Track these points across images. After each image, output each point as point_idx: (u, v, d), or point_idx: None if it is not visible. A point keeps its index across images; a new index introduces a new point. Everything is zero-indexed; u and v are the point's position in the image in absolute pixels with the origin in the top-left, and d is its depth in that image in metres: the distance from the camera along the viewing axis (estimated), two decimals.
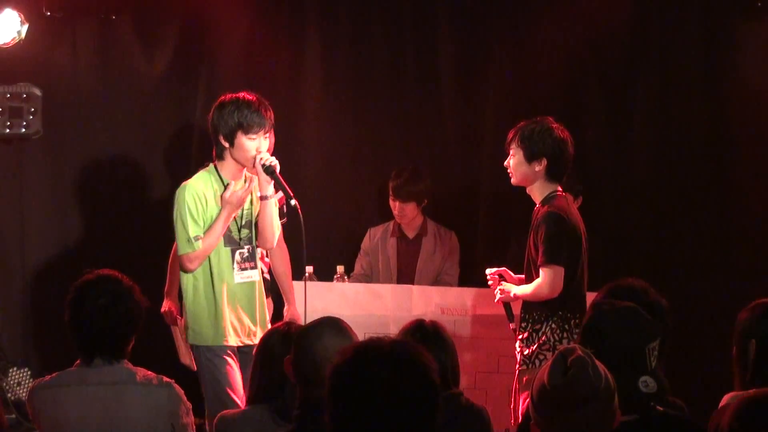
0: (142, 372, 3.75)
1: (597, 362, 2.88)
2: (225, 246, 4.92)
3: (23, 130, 6.11)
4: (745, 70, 6.37)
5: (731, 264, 6.35)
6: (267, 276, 5.72)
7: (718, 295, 6.18)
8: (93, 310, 3.68)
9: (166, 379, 3.78)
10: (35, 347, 6.56)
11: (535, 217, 4.99)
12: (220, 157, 4.92)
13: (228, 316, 4.89)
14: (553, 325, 4.89)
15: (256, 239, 5.01)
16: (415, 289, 6.02)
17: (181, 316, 5.54)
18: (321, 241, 6.68)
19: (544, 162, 4.95)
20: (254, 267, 5.00)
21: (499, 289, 5.11)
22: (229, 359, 4.88)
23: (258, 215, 4.99)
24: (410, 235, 6.44)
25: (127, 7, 6.46)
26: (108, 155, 6.58)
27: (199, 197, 4.85)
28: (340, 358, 2.42)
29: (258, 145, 4.88)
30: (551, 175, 4.98)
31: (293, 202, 4.90)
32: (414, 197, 6.31)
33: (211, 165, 4.96)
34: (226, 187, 4.86)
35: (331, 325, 3.36)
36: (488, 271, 5.18)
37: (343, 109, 6.73)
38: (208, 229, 4.84)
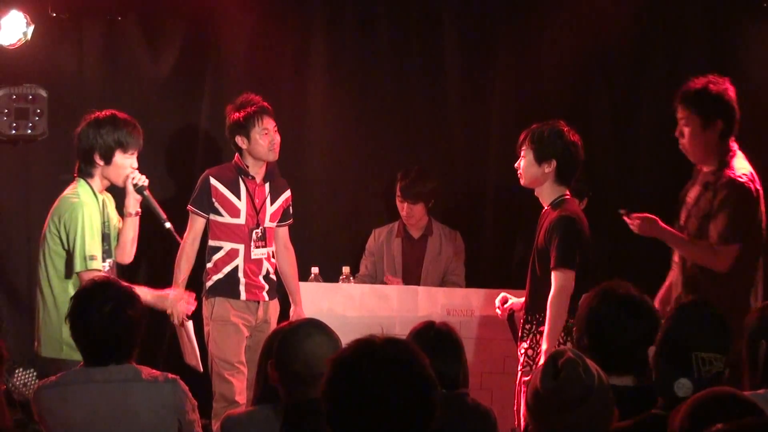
0: (147, 370, 3.78)
1: (588, 361, 2.89)
2: None
3: (29, 131, 6.11)
4: (751, 71, 6.35)
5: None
6: (273, 276, 5.73)
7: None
8: (101, 318, 3.70)
9: (171, 375, 3.81)
10: None
11: (543, 220, 4.99)
12: (88, 174, 5.05)
13: None
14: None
15: (115, 253, 5.16)
16: (421, 290, 6.01)
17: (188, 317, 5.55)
18: (326, 242, 6.69)
19: (554, 164, 4.95)
20: None
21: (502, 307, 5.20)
22: None
23: (120, 230, 5.17)
24: (415, 235, 6.43)
25: (133, 8, 6.45)
26: None
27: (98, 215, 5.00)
28: (340, 357, 2.42)
29: (132, 163, 5.09)
30: (560, 177, 4.98)
31: (168, 225, 5.15)
32: (422, 198, 6.30)
33: (82, 180, 5.05)
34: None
35: (316, 324, 3.40)
36: (498, 303, 5.26)
37: (348, 108, 6.72)
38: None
